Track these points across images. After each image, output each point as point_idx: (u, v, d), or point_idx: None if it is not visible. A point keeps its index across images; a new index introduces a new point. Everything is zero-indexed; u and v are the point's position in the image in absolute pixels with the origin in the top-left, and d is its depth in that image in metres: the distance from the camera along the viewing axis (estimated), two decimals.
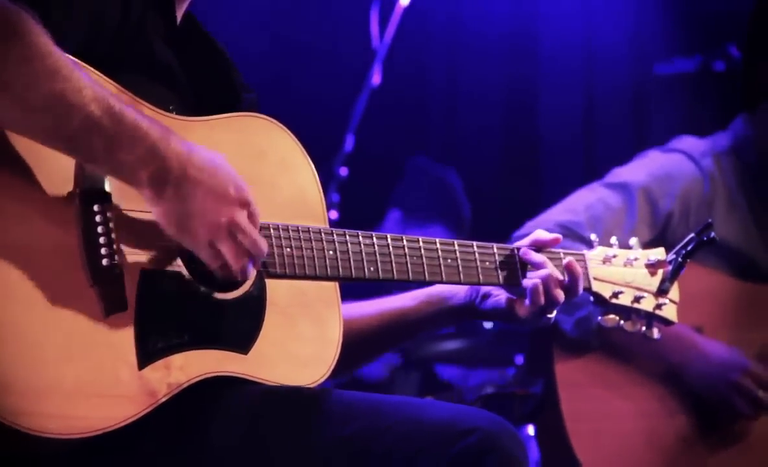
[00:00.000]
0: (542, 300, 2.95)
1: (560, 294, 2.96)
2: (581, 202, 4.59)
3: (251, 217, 2.62)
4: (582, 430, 4.46)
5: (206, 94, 2.91)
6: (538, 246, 3.03)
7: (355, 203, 5.79)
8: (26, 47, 2.44)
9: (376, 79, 6.07)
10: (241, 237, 2.59)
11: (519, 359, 5.35)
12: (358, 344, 3.04)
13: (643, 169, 4.69)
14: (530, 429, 4.95)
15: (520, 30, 7.04)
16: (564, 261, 3.00)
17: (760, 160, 4.71)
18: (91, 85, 2.49)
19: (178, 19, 2.91)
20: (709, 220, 3.15)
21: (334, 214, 5.70)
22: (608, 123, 6.93)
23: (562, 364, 4.50)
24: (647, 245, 3.23)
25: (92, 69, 2.60)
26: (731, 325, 4.63)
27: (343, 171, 5.93)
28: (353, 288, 2.97)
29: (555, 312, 2.99)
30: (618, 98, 6.93)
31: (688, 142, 4.78)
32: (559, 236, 3.03)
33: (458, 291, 3.07)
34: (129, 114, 2.52)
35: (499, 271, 2.99)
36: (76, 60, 2.54)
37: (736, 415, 4.52)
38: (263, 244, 2.63)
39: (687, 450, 4.52)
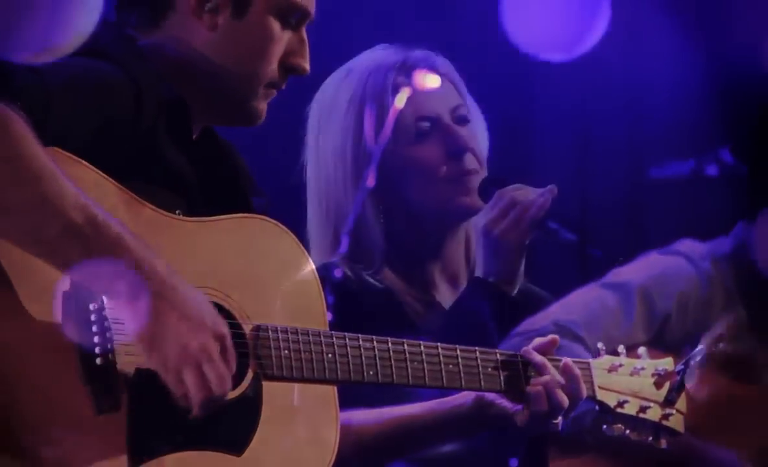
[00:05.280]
0: (545, 405, 2.92)
1: (564, 399, 2.93)
2: (578, 301, 4.59)
3: (225, 351, 2.55)
4: None
5: (216, 200, 2.89)
6: (540, 353, 3.01)
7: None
8: (9, 147, 2.41)
9: (370, 181, 6.06)
10: (208, 368, 2.51)
11: (513, 462, 5.30)
12: (359, 453, 3.00)
13: (641, 270, 4.70)
14: None
15: (513, 136, 7.06)
16: (561, 363, 2.98)
17: (758, 265, 4.72)
18: (75, 193, 2.45)
19: (195, 133, 2.88)
20: (721, 332, 3.16)
21: (328, 316, 5.66)
22: (602, 227, 6.93)
23: (556, 464, 4.48)
24: (645, 345, 3.23)
25: (93, 167, 2.59)
26: (726, 427, 4.60)
27: (338, 272, 5.90)
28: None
29: (560, 419, 2.96)
30: (612, 201, 6.93)
31: (689, 245, 4.80)
32: (556, 337, 3.02)
33: (465, 401, 3.04)
34: (113, 227, 2.48)
35: (502, 377, 2.97)
36: (75, 157, 2.54)
37: None
38: (227, 384, 2.54)
39: None
